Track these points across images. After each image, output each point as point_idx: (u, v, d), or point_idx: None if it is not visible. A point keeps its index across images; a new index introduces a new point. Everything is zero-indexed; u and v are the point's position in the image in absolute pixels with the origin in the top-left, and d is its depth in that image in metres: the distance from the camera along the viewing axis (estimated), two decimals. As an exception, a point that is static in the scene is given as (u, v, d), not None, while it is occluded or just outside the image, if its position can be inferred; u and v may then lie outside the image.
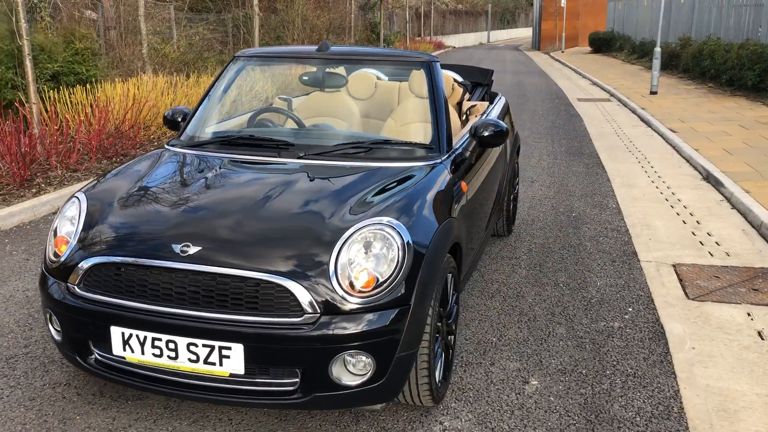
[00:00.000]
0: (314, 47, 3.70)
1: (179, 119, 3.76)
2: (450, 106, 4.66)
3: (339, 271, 2.48)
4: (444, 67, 5.20)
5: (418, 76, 3.66)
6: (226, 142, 3.39)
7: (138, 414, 2.83)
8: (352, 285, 2.48)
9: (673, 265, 4.60)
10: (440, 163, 3.20)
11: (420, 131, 3.51)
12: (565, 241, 5.09)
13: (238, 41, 18.37)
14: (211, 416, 2.81)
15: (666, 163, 7.82)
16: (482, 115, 4.36)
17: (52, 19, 12.43)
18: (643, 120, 10.98)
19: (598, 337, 3.58)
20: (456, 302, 3.10)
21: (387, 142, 3.35)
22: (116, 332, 2.56)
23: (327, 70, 3.82)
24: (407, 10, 31.38)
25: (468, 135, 3.57)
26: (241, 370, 2.48)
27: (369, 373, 2.52)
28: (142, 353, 2.55)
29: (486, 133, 3.43)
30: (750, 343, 3.52)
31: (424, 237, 2.68)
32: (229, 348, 2.45)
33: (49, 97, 8.40)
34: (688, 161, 7.85)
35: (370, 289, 2.49)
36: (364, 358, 2.50)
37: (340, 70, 4.09)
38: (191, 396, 2.57)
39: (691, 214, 5.79)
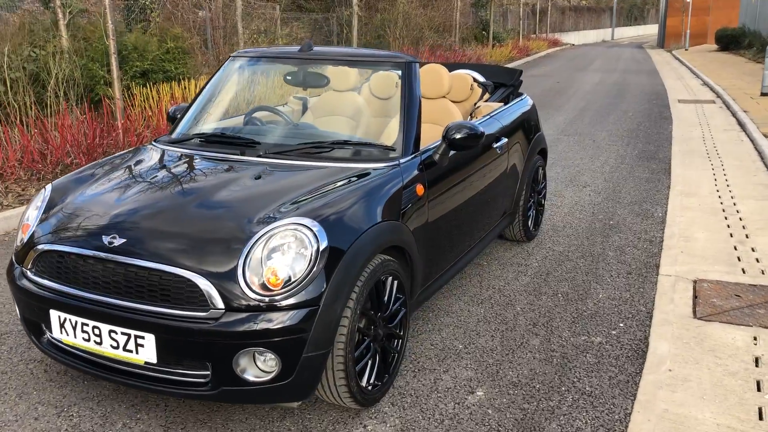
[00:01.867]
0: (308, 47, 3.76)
1: (179, 116, 3.94)
2: (459, 107, 4.60)
3: (248, 270, 2.53)
4: (467, 67, 5.13)
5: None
6: (203, 139, 3.53)
7: (87, 394, 3.01)
8: (260, 284, 2.53)
9: (694, 281, 4.29)
10: (397, 165, 3.18)
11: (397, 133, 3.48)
12: (587, 250, 4.87)
13: (341, 41, 18.76)
14: (150, 402, 2.95)
15: (742, 170, 7.26)
16: (486, 116, 4.25)
17: (162, 19, 13.24)
18: (739, 123, 10.22)
19: (570, 352, 3.42)
20: (403, 306, 3.07)
21: (347, 142, 3.36)
22: (54, 316, 2.75)
23: (309, 69, 3.86)
24: (521, 6, 30.76)
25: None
26: (153, 359, 2.59)
27: (275, 372, 2.56)
28: (75, 337, 2.72)
29: (458, 136, 3.34)
30: (738, 370, 3.24)
31: (345, 239, 2.68)
32: (142, 337, 2.57)
33: (133, 94, 9.00)
34: (768, 169, 7.25)
35: (278, 288, 2.53)
36: (270, 355, 2.54)
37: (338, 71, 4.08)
38: (116, 380, 2.71)
39: (743, 227, 5.36)
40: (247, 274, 2.53)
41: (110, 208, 2.87)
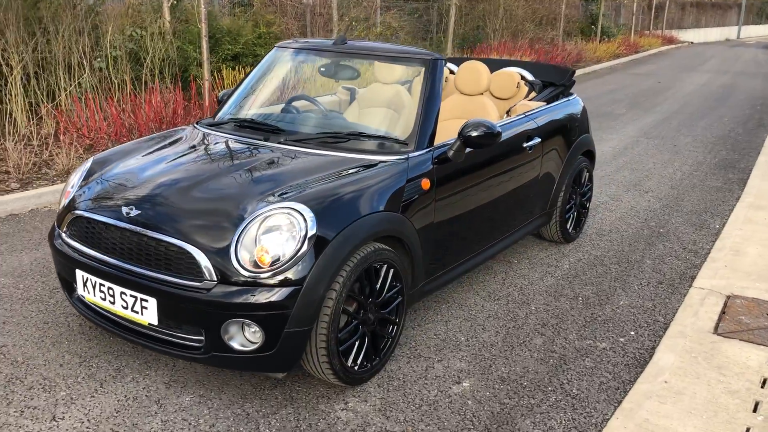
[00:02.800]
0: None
1: (224, 100, 4.22)
2: (504, 104, 4.65)
3: (240, 247, 2.75)
4: (517, 64, 5.15)
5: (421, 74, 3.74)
6: (237, 124, 3.78)
7: (109, 348, 3.34)
8: (251, 261, 2.74)
9: (727, 296, 4.16)
10: (406, 159, 3.30)
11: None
12: (625, 256, 4.80)
13: (439, 30, 18.81)
14: (161, 362, 3.24)
15: (827, 186, 6.84)
16: (521, 115, 4.28)
17: (265, 5, 13.75)
18: None
19: (570, 354, 3.44)
20: (400, 294, 3.20)
21: (361, 134, 3.50)
22: (79, 275, 3.07)
23: (341, 62, 4.03)
24: (636, 0, 29.59)
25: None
26: (155, 321, 2.86)
27: (259, 343, 2.77)
28: (94, 295, 3.03)
29: (474, 134, 3.41)
30: (740, 388, 3.17)
31: (335, 225, 2.84)
32: (147, 300, 2.84)
33: (222, 75, 9.49)
34: None
35: (266, 266, 2.73)
36: (255, 328, 2.75)
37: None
38: (126, 337, 3.01)
39: (805, 245, 5.10)
40: (240, 251, 2.74)
41: (134, 182, 3.17)
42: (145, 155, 3.48)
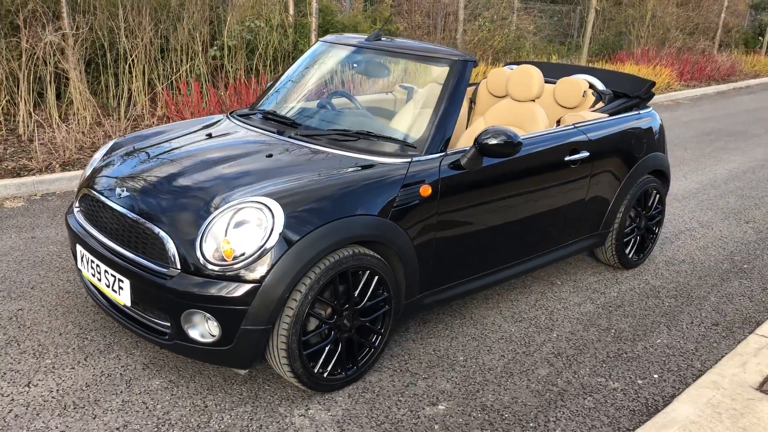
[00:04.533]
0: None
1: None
2: (556, 112, 4.34)
3: (206, 238, 2.72)
4: (590, 72, 4.80)
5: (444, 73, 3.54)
6: (263, 116, 3.77)
7: (107, 323, 3.45)
8: (214, 253, 2.70)
9: (792, 349, 3.63)
10: (408, 163, 3.14)
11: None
12: (688, 291, 4.32)
13: (580, 35, 18.05)
14: (148, 343, 3.29)
15: None
16: (569, 126, 3.95)
17: (390, 3, 13.84)
18: None
19: (572, 391, 3.13)
20: (386, 303, 3.05)
21: (370, 133, 3.37)
22: (79, 250, 3.19)
23: (374, 59, 3.90)
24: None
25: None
26: (129, 303, 2.90)
27: (217, 336, 2.73)
28: (87, 271, 3.14)
29: (491, 142, 3.18)
30: (758, 458, 2.74)
31: (304, 225, 2.74)
32: (122, 281, 2.90)
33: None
34: None
35: (228, 260, 2.69)
36: (213, 321, 2.72)
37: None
38: (111, 314, 3.09)
39: None
40: (205, 242, 2.72)
41: (137, 165, 3.24)
42: (164, 141, 3.56)
